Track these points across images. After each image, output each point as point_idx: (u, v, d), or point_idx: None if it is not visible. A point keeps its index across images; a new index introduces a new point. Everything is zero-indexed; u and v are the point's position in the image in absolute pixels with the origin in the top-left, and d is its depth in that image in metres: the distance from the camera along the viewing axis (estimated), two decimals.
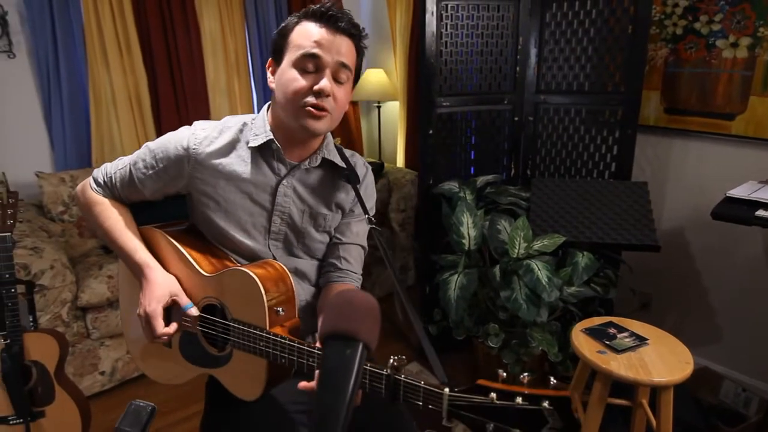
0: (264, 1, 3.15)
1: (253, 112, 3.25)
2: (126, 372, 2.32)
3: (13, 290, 1.61)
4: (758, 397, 2.08)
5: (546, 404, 0.60)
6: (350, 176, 1.13)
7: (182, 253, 1.09)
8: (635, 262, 2.25)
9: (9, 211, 1.62)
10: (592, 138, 2.29)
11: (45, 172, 2.52)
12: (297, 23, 1.02)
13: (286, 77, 1.01)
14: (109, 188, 1.16)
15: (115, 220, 1.13)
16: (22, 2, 2.43)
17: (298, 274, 1.16)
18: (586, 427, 1.56)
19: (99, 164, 1.20)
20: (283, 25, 1.05)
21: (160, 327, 1.02)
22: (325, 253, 1.21)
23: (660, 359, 1.48)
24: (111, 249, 1.15)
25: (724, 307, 2.30)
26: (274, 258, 1.13)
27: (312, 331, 1.16)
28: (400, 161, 3.55)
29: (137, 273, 1.09)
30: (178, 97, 2.88)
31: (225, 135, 1.09)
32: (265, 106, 1.12)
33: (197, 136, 1.07)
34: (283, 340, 0.91)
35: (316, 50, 0.99)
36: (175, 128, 1.12)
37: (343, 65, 1.01)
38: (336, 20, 1.00)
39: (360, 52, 1.06)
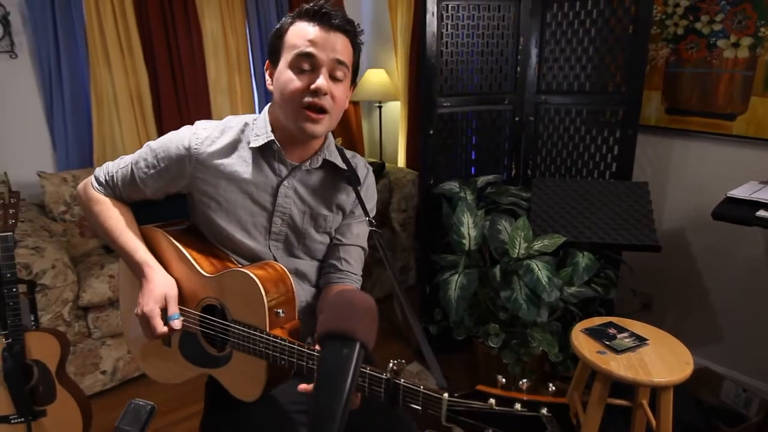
0: (265, 1, 3.16)
1: (255, 112, 3.27)
2: (127, 371, 2.32)
3: (14, 289, 1.62)
4: (759, 398, 2.07)
5: (544, 411, 0.60)
6: (351, 178, 1.13)
7: (183, 253, 1.09)
8: (636, 263, 2.25)
9: (11, 211, 1.63)
10: (593, 138, 2.29)
11: (47, 171, 2.53)
12: (291, 23, 1.02)
13: (283, 78, 1.01)
14: (110, 187, 1.16)
15: (116, 219, 1.13)
16: (24, 3, 2.44)
17: (299, 274, 1.17)
18: (586, 427, 1.56)
19: (100, 164, 1.20)
20: (278, 26, 1.05)
21: (159, 327, 1.03)
22: (326, 254, 1.20)
23: (660, 359, 1.48)
24: (112, 248, 1.15)
25: (724, 308, 2.30)
26: (275, 258, 1.13)
27: (312, 332, 1.16)
28: (401, 161, 3.55)
29: (137, 272, 1.09)
30: (180, 97, 2.89)
31: (226, 135, 1.09)
32: (267, 107, 1.12)
33: (199, 135, 1.08)
34: (283, 342, 0.91)
35: (310, 49, 0.99)
36: (176, 128, 1.12)
37: (339, 62, 1.01)
38: (329, 17, 1.00)
39: (356, 48, 1.06)
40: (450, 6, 2.21)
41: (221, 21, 2.97)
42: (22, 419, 1.66)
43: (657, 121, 2.34)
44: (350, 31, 1.03)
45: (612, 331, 1.62)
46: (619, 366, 1.46)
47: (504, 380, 0.65)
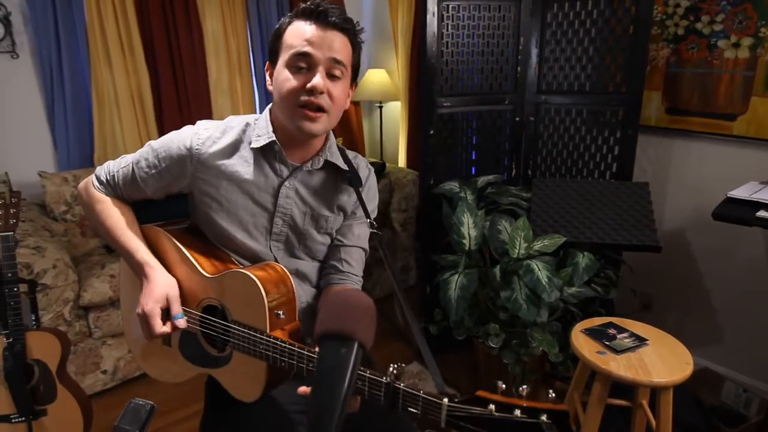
0: (266, 1, 3.16)
1: (255, 112, 3.27)
2: (128, 371, 2.33)
3: (15, 289, 1.62)
4: (759, 398, 2.07)
5: (544, 418, 0.60)
6: (352, 179, 1.13)
7: (184, 253, 1.09)
8: (636, 263, 2.25)
9: (12, 211, 1.63)
10: (594, 138, 2.29)
11: (48, 171, 2.53)
12: (289, 23, 1.02)
13: (281, 78, 1.01)
14: (111, 186, 1.16)
15: (117, 219, 1.13)
16: (25, 2, 2.44)
17: (299, 275, 1.16)
18: (586, 427, 1.56)
19: (101, 164, 1.20)
20: (277, 26, 1.05)
21: (158, 326, 1.03)
22: (326, 255, 1.20)
23: (659, 360, 1.48)
24: (113, 248, 1.16)
25: (725, 308, 2.30)
26: (275, 259, 1.13)
27: (312, 333, 1.16)
28: (402, 161, 3.55)
29: (138, 272, 1.10)
30: (181, 97, 2.89)
31: (228, 135, 1.09)
32: (268, 107, 1.12)
33: (200, 136, 1.07)
34: (283, 344, 0.91)
35: (306, 48, 0.98)
36: (177, 128, 1.12)
37: (336, 61, 1.00)
38: (326, 15, 0.99)
39: (356, 46, 1.05)
40: (450, 6, 2.22)
41: (222, 21, 2.97)
42: (23, 418, 1.66)
43: (657, 122, 2.34)
44: (348, 29, 1.02)
45: (612, 331, 1.62)
46: (618, 366, 1.46)
47: (504, 386, 0.65)
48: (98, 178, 1.16)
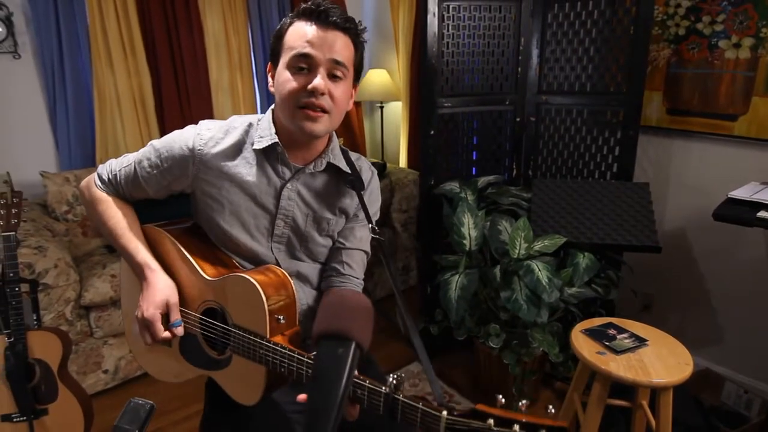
0: (267, 1, 3.16)
1: (256, 111, 3.28)
2: (129, 371, 2.33)
3: (17, 289, 1.62)
4: (760, 399, 2.07)
5: None
6: (355, 182, 1.12)
7: (184, 254, 1.09)
8: (636, 263, 2.25)
9: (13, 211, 1.64)
10: (594, 139, 2.29)
11: (49, 171, 2.54)
12: (290, 24, 1.02)
13: (282, 79, 1.01)
14: (113, 186, 1.15)
15: (118, 219, 1.13)
16: (27, 3, 2.45)
17: (300, 277, 1.16)
18: (586, 428, 1.56)
19: (103, 163, 1.20)
20: (278, 27, 1.04)
21: (159, 332, 1.03)
22: (328, 257, 1.20)
23: (659, 360, 1.48)
24: (114, 247, 1.16)
25: (725, 309, 2.29)
26: (276, 260, 1.13)
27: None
28: (403, 161, 3.55)
29: (138, 274, 1.10)
30: (182, 97, 2.89)
31: (230, 136, 1.08)
32: (271, 108, 1.11)
33: (203, 136, 1.07)
34: (284, 350, 0.91)
35: (307, 49, 0.98)
36: (178, 128, 1.11)
37: (337, 62, 0.99)
38: (327, 15, 0.98)
39: (358, 46, 1.04)
40: (451, 6, 2.22)
41: (223, 21, 2.98)
42: (24, 418, 1.67)
43: (658, 122, 2.34)
44: (350, 29, 1.01)
45: (612, 331, 1.62)
46: (618, 367, 1.46)
47: (504, 400, 0.65)
48: (100, 177, 1.16)
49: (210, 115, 3.00)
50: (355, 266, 1.19)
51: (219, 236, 1.12)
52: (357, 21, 1.04)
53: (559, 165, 2.42)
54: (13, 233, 1.62)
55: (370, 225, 1.13)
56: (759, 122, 2.04)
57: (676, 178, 2.35)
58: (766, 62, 1.99)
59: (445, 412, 0.67)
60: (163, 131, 2.82)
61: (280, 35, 1.03)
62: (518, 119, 2.45)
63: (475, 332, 2.11)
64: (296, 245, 1.15)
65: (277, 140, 1.05)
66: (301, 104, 0.99)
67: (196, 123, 1.11)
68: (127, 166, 1.13)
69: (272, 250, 1.13)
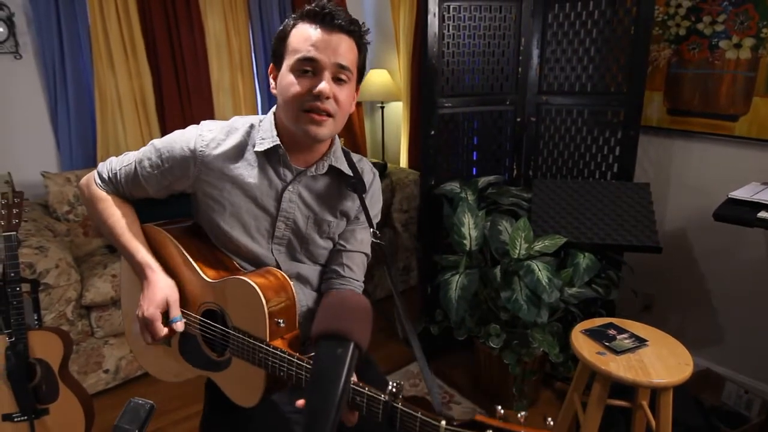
0: (268, 1, 3.17)
1: (257, 111, 3.28)
2: (129, 370, 2.34)
3: (18, 288, 1.63)
4: (760, 399, 2.07)
5: None
6: (357, 185, 1.11)
7: (185, 255, 1.09)
8: (637, 263, 2.25)
9: (14, 211, 1.64)
10: (595, 139, 2.29)
11: (51, 172, 2.54)
12: (294, 26, 1.01)
13: (285, 82, 1.00)
14: (113, 184, 1.15)
15: (118, 218, 1.13)
16: (28, 4, 2.46)
17: (301, 279, 1.16)
18: (586, 428, 1.56)
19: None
20: (281, 28, 1.03)
21: (159, 331, 1.03)
22: (328, 259, 1.20)
23: (659, 361, 1.48)
24: (114, 246, 1.16)
25: (726, 309, 2.29)
26: (277, 262, 1.13)
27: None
28: (404, 161, 3.55)
29: (138, 273, 1.10)
30: (183, 97, 2.90)
31: (232, 137, 1.08)
32: (273, 108, 1.10)
33: (204, 138, 1.06)
34: (283, 354, 0.91)
35: (312, 53, 0.97)
36: (179, 128, 1.11)
37: (342, 66, 0.99)
38: (332, 18, 0.97)
39: (362, 48, 1.04)
40: (451, 7, 2.22)
41: (224, 21, 2.98)
42: (25, 417, 1.67)
43: (659, 122, 2.34)
44: (354, 31, 1.01)
45: (612, 332, 1.62)
46: (618, 367, 1.46)
47: (503, 411, 0.65)
48: (100, 175, 1.16)
49: (211, 116, 3.01)
50: (355, 268, 1.19)
51: (219, 237, 1.12)
52: (361, 23, 1.03)
53: (559, 165, 2.42)
54: (14, 233, 1.63)
55: (372, 230, 1.12)
56: (760, 122, 2.04)
57: (676, 179, 2.35)
58: (766, 62, 1.98)
59: (443, 422, 0.66)
60: (164, 131, 2.82)
61: (283, 37, 1.02)
62: (519, 119, 2.45)
63: (475, 332, 2.11)
64: (297, 247, 1.15)
65: (278, 142, 1.05)
66: (306, 108, 0.98)
67: (198, 123, 1.11)
68: (127, 165, 1.13)
69: (272, 252, 1.13)
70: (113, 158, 1.17)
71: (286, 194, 1.09)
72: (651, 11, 2.04)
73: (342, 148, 1.17)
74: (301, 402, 0.83)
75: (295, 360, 0.89)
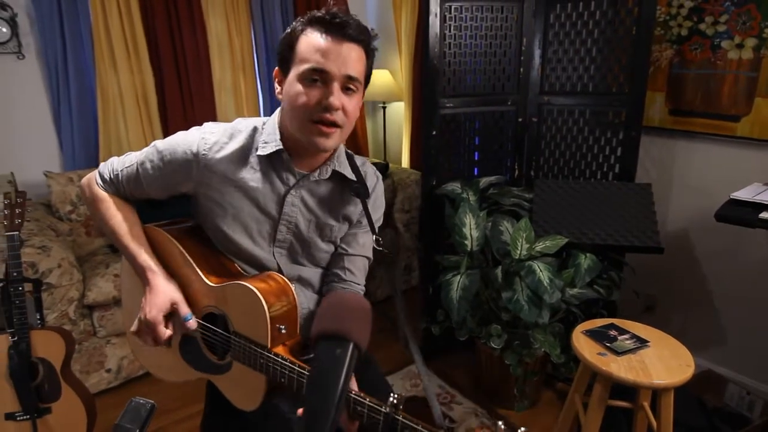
0: (270, 2, 3.17)
1: (259, 111, 3.29)
2: (131, 370, 2.34)
3: (20, 288, 1.63)
4: (762, 400, 2.06)
5: None
6: (360, 190, 1.11)
7: (186, 257, 1.09)
8: (639, 264, 2.24)
9: (17, 211, 1.65)
10: (596, 139, 2.29)
11: (53, 171, 2.55)
12: (302, 32, 0.98)
13: (293, 91, 0.98)
14: (114, 185, 1.15)
15: (119, 219, 1.13)
16: (31, 4, 2.47)
17: (302, 281, 1.16)
18: (587, 429, 1.56)
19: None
20: (288, 31, 1.01)
21: (162, 335, 1.03)
22: (330, 263, 1.19)
23: (660, 361, 1.48)
24: (116, 247, 1.16)
25: (728, 310, 2.29)
26: (278, 265, 1.13)
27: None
28: (405, 162, 3.55)
29: (140, 275, 1.10)
30: (185, 97, 2.91)
31: (235, 140, 1.07)
32: (277, 111, 1.09)
33: (207, 141, 1.05)
34: (284, 361, 0.91)
35: (322, 64, 0.95)
36: (181, 128, 1.11)
37: (351, 78, 0.97)
38: (342, 27, 0.95)
39: (369, 55, 1.02)
40: (453, 7, 2.22)
41: (226, 21, 2.99)
42: (28, 416, 1.68)
43: (661, 123, 2.33)
44: (364, 40, 0.99)
45: (613, 332, 1.62)
46: (619, 368, 1.46)
47: (504, 427, 0.65)
48: (101, 176, 1.15)
49: (213, 115, 3.01)
50: (356, 272, 1.18)
51: (220, 239, 1.11)
52: (370, 29, 1.02)
53: (561, 165, 2.42)
54: (17, 233, 1.63)
55: (375, 236, 1.12)
56: (762, 123, 2.03)
57: (678, 179, 2.35)
58: None
59: None
60: (166, 131, 2.83)
61: (290, 42, 0.99)
62: (520, 120, 2.45)
63: (476, 333, 2.11)
64: (298, 250, 1.14)
65: (281, 147, 1.04)
66: (315, 119, 0.97)
67: (200, 123, 1.10)
68: (129, 166, 1.12)
69: (274, 255, 1.12)
70: (114, 158, 1.16)
71: (288, 198, 1.08)
72: (653, 11, 2.04)
73: (346, 151, 1.16)
74: (301, 411, 0.83)
75: (297, 368, 0.89)
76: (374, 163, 1.49)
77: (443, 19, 2.21)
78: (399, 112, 3.62)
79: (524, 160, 2.50)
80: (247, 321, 0.99)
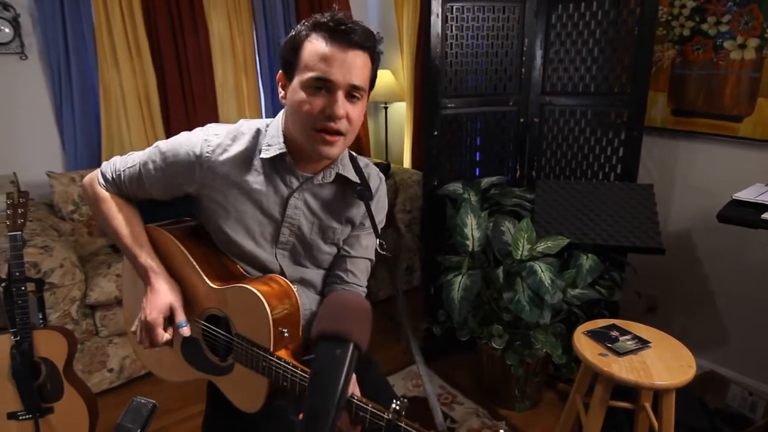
0: (272, 3, 3.18)
1: (261, 112, 3.29)
2: (134, 369, 2.35)
3: (23, 288, 1.64)
4: (765, 401, 2.06)
5: None
6: (363, 193, 1.10)
7: (188, 258, 1.09)
8: (641, 265, 2.24)
9: (20, 211, 1.65)
10: (598, 140, 2.29)
11: (56, 171, 2.56)
12: (307, 37, 0.96)
13: (297, 98, 0.97)
14: (116, 185, 1.15)
15: (121, 219, 1.13)
16: (33, 4, 2.48)
17: (305, 283, 1.16)
18: (588, 429, 1.56)
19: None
20: (292, 35, 0.99)
21: (161, 336, 1.03)
22: (332, 264, 1.19)
23: (661, 362, 1.48)
24: (118, 246, 1.16)
25: (730, 311, 2.28)
26: (281, 266, 1.12)
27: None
28: (407, 162, 3.56)
29: (142, 275, 1.10)
30: (187, 98, 2.91)
31: (238, 143, 1.06)
32: (281, 113, 1.08)
33: (210, 143, 1.05)
34: (287, 365, 0.91)
35: (326, 73, 0.93)
36: (183, 129, 1.11)
37: (356, 87, 0.96)
38: (347, 34, 0.93)
39: (375, 60, 1.01)
40: (454, 7, 2.22)
41: (228, 22, 2.99)
42: (30, 416, 1.68)
43: (663, 123, 2.33)
44: (370, 46, 0.97)
45: (614, 333, 1.62)
46: (620, 368, 1.45)
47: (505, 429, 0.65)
48: (104, 175, 1.15)
49: (215, 116, 3.02)
50: (359, 274, 1.18)
51: (223, 241, 1.11)
52: (375, 33, 0.99)
53: (562, 166, 2.42)
54: (20, 233, 1.64)
55: (378, 240, 1.12)
56: (764, 123, 2.03)
57: (680, 180, 2.34)
58: None
59: None
60: (168, 131, 2.84)
61: (294, 47, 0.97)
62: (522, 120, 2.45)
63: (478, 333, 2.11)
64: (301, 252, 1.14)
65: (285, 150, 1.03)
66: (318, 128, 0.96)
67: (202, 124, 1.10)
68: (131, 166, 1.12)
69: (276, 257, 1.12)
70: (117, 158, 1.16)
71: (291, 201, 1.08)
72: (655, 12, 2.04)
73: (349, 153, 1.15)
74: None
75: (299, 372, 0.90)
76: (376, 164, 1.49)
77: (445, 20, 2.21)
78: (401, 112, 3.62)
79: (526, 160, 2.50)
80: (249, 324, 0.99)
